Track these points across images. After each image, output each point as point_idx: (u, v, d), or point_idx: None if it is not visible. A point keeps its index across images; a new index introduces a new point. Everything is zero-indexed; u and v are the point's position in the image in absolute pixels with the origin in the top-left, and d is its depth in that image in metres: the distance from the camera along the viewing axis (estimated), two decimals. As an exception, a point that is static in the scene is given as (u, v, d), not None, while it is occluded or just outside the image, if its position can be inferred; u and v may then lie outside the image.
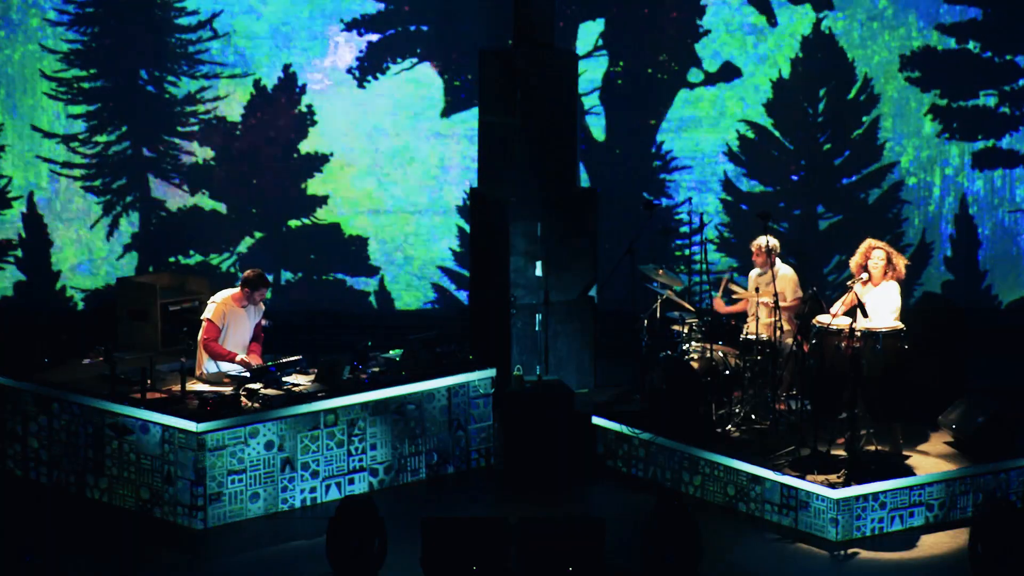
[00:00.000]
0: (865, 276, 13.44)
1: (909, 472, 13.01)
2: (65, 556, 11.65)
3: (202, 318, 13.69)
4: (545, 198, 16.17)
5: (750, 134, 19.03)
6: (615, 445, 14.33)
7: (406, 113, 19.19)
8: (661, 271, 14.82)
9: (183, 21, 19.00)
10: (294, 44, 19.12)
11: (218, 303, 13.64)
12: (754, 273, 14.64)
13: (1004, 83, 19.26)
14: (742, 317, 14.57)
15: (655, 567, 11.39)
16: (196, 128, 19.06)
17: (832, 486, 12.63)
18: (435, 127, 19.16)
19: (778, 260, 14.52)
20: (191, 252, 19.15)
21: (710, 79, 18.99)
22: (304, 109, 19.12)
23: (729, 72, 19.06)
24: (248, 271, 13.82)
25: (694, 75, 19.05)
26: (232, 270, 19.02)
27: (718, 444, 13.60)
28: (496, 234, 16.21)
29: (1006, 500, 12.94)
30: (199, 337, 13.67)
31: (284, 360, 13.55)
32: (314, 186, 19.23)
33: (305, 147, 19.19)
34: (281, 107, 19.12)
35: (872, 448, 13.33)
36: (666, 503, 11.56)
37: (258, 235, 19.21)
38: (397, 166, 19.28)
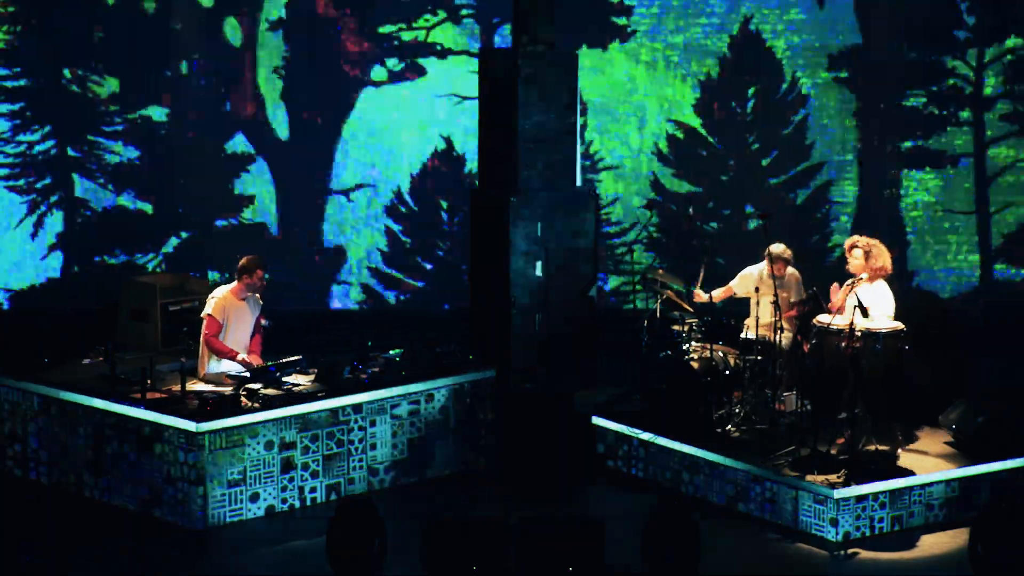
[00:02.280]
0: (865, 276, 13.43)
1: (909, 472, 13.01)
2: (65, 556, 11.64)
3: (203, 315, 13.69)
4: (545, 198, 16.17)
5: (679, 134, 19.07)
6: (615, 445, 14.33)
7: (332, 114, 19.22)
8: (661, 271, 14.82)
9: (109, 19, 18.99)
10: (220, 43, 19.12)
11: (218, 299, 13.64)
12: (755, 271, 14.62)
13: (932, 84, 19.31)
14: (742, 317, 14.57)
15: (655, 567, 11.38)
16: (121, 128, 19.02)
17: (832, 486, 12.62)
18: (366, 127, 19.18)
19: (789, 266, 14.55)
20: (117, 252, 19.12)
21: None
22: (229, 109, 19.11)
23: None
24: (242, 259, 13.79)
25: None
26: (158, 270, 18.99)
27: (718, 444, 13.60)
28: (496, 234, 16.21)
29: (1006, 500, 12.93)
30: (201, 334, 13.66)
31: (284, 360, 13.55)
32: (241, 186, 19.21)
33: (231, 147, 19.18)
34: (207, 107, 19.11)
35: (872, 448, 13.32)
36: (666, 503, 11.56)
37: (184, 235, 19.18)
38: (323, 166, 19.31)
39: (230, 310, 13.63)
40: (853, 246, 13.49)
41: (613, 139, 19.30)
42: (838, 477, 12.73)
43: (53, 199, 19.06)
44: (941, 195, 19.41)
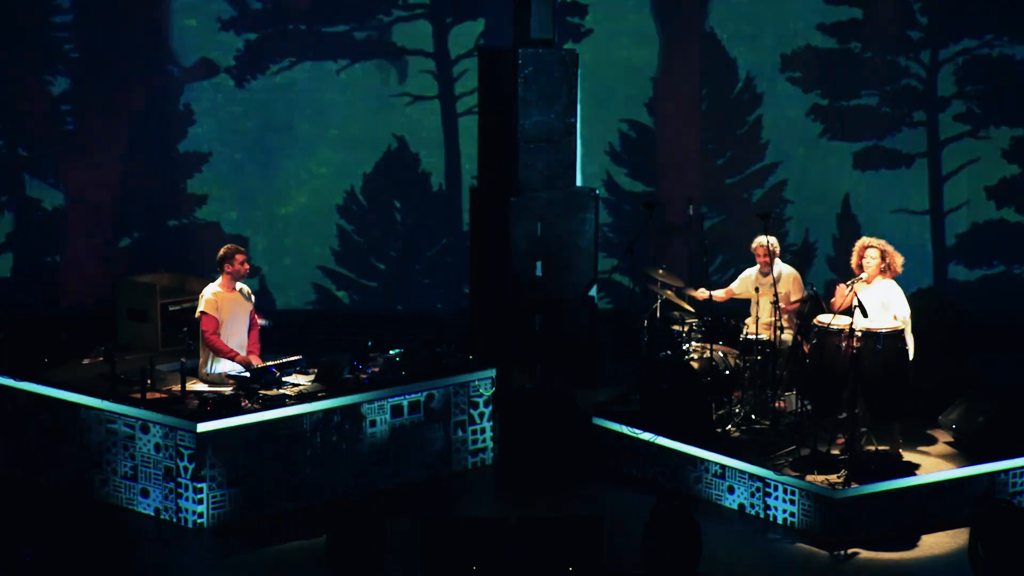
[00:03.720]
0: (864, 276, 13.42)
1: (909, 472, 13.01)
2: (65, 556, 11.63)
3: (197, 315, 13.68)
4: (545, 198, 16.17)
5: (632, 133, 19.08)
6: (615, 445, 14.32)
7: (285, 114, 19.22)
8: (661, 271, 14.82)
9: (59, 19, 18.95)
10: (172, 43, 19.10)
11: (207, 297, 13.63)
12: (753, 271, 14.64)
13: (886, 83, 19.33)
14: (742, 317, 14.58)
15: (655, 567, 11.39)
16: (72, 128, 19.01)
17: (832, 486, 12.62)
18: (314, 128, 19.20)
19: (778, 260, 14.53)
20: (68, 252, 19.12)
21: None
22: (182, 108, 19.12)
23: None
24: (220, 250, 13.77)
25: None
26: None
27: (718, 444, 13.60)
28: (496, 234, 16.22)
29: (1006, 500, 12.93)
30: (200, 334, 13.65)
31: (284, 360, 13.55)
32: (193, 185, 19.22)
33: (184, 146, 19.19)
34: (158, 106, 19.11)
35: (872, 448, 13.32)
36: (666, 503, 11.56)
37: (136, 235, 19.18)
38: (277, 166, 19.30)
39: (223, 304, 13.62)
40: (867, 247, 13.45)
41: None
42: (838, 477, 12.73)
43: (3, 199, 19.03)
44: (895, 195, 19.45)
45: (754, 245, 14.54)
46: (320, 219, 19.39)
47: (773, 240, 14.46)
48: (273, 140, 19.29)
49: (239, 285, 13.79)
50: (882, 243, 13.52)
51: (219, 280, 13.73)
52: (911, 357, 13.22)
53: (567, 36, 19.15)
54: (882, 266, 13.37)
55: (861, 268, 13.47)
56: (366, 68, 19.46)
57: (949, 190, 19.48)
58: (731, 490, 13.31)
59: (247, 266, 13.77)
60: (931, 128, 19.40)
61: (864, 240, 13.56)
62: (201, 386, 13.37)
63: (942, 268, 19.58)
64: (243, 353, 13.64)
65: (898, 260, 13.43)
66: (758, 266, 14.60)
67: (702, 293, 14.65)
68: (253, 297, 13.97)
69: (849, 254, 13.48)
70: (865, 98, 19.30)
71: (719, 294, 14.76)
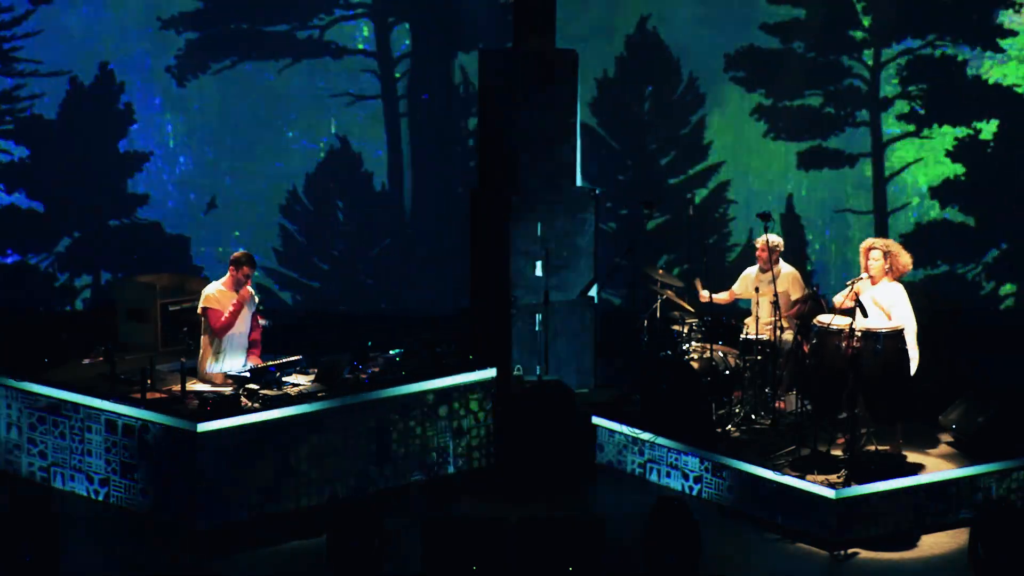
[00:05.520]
0: (866, 275, 13.40)
1: (909, 472, 13.01)
2: (65, 556, 11.62)
3: (199, 311, 13.67)
4: (545, 198, 16.17)
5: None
6: (615, 445, 14.32)
7: (227, 113, 19.21)
8: (661, 271, 14.82)
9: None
10: (111, 42, 19.09)
11: (209, 294, 13.62)
12: (753, 271, 14.63)
13: (829, 83, 19.34)
14: (742, 317, 14.57)
15: (655, 567, 11.38)
16: (11, 127, 19.00)
17: (832, 486, 12.62)
18: (256, 127, 19.19)
19: (780, 259, 14.53)
20: (8, 251, 19.09)
21: None
22: (123, 107, 19.10)
23: None
24: (237, 252, 13.80)
25: None
26: (51, 270, 18.97)
27: (718, 444, 13.60)
28: (496, 234, 16.21)
29: (1006, 500, 12.94)
30: (208, 328, 13.61)
31: (284, 360, 13.55)
32: (134, 185, 19.21)
33: (125, 146, 19.17)
34: (99, 105, 19.08)
35: (872, 448, 13.32)
36: (666, 503, 11.56)
37: (77, 235, 19.16)
38: (219, 165, 19.29)
39: (224, 302, 13.62)
40: (871, 248, 13.41)
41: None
42: (838, 477, 12.73)
43: None
44: (839, 195, 19.46)
45: (756, 242, 14.55)
46: (263, 219, 19.39)
47: (774, 238, 14.45)
48: (215, 139, 19.28)
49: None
50: (887, 243, 13.46)
51: (223, 279, 13.72)
52: (914, 365, 13.18)
53: (509, 36, 19.23)
54: (886, 267, 13.33)
55: (868, 269, 13.43)
56: (308, 67, 19.46)
57: (892, 190, 19.51)
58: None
59: (248, 279, 13.75)
60: (874, 128, 19.42)
61: (868, 241, 13.50)
62: (201, 386, 13.37)
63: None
64: (243, 353, 13.64)
65: (902, 260, 13.36)
66: (758, 265, 14.60)
67: (704, 295, 14.63)
68: (257, 299, 13.96)
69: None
70: (808, 98, 19.33)
71: (723, 296, 14.75)
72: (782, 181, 19.41)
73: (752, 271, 14.69)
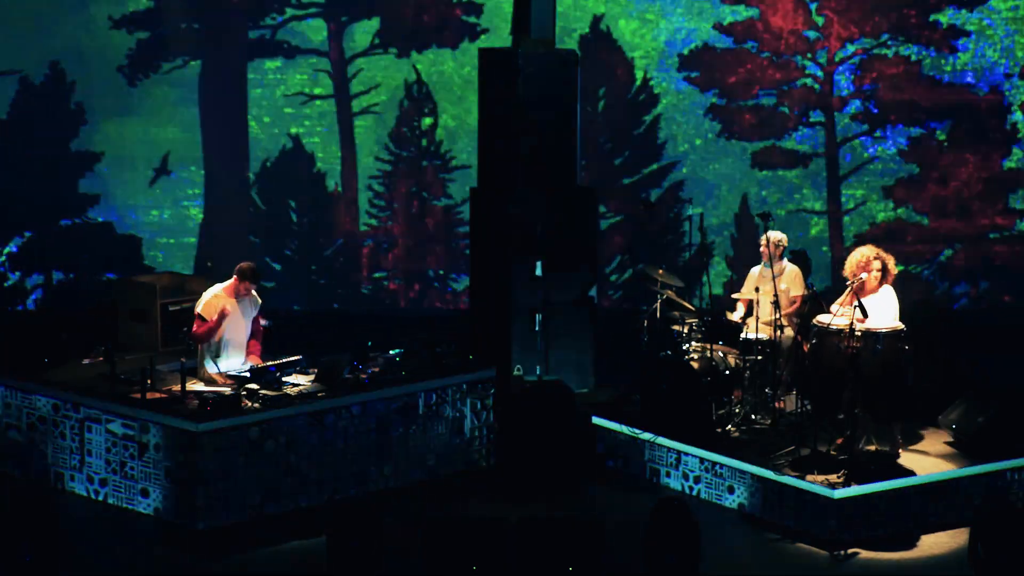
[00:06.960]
0: (864, 276, 13.40)
1: (909, 472, 13.01)
2: (65, 556, 11.63)
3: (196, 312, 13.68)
4: (545, 198, 16.17)
5: None
6: (615, 445, 14.32)
7: (179, 112, 19.20)
8: (661, 271, 14.82)
9: None
10: (62, 41, 19.08)
11: (209, 298, 13.58)
12: (756, 270, 14.63)
13: (783, 83, 19.35)
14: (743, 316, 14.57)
15: (655, 567, 11.38)
16: None
17: (832, 486, 12.62)
18: (209, 126, 19.19)
19: (784, 257, 14.55)
20: None
21: None
22: (74, 107, 19.08)
23: None
24: (244, 263, 13.77)
25: None
26: (1, 270, 18.94)
27: (718, 444, 13.60)
28: (496, 234, 16.21)
29: (1006, 500, 12.93)
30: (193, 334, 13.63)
31: (284, 360, 13.54)
32: (85, 185, 19.18)
33: (76, 146, 19.16)
34: (50, 104, 19.07)
35: (872, 448, 13.32)
36: (666, 503, 11.55)
37: (28, 234, 19.14)
38: (171, 165, 19.28)
39: (223, 308, 13.57)
40: (875, 258, 13.35)
41: (467, 138, 19.36)
42: (838, 477, 12.73)
43: None
44: (793, 194, 19.47)
45: (760, 241, 14.56)
46: (215, 219, 19.39)
47: (775, 235, 14.46)
48: (167, 138, 19.26)
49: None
50: (878, 251, 13.48)
51: (227, 284, 13.67)
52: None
53: (463, 35, 19.24)
54: (883, 275, 13.39)
55: (855, 277, 13.40)
56: (260, 66, 19.44)
57: (847, 190, 19.51)
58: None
59: (250, 293, 13.70)
60: (828, 128, 19.43)
61: (864, 252, 13.41)
62: (201, 386, 13.37)
63: (841, 269, 19.61)
64: (243, 353, 13.63)
65: (891, 263, 13.44)
66: (759, 265, 14.61)
67: (736, 318, 14.50)
68: (260, 301, 13.95)
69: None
70: (762, 98, 19.34)
71: (740, 312, 14.62)
72: (736, 181, 19.42)
73: (755, 270, 14.69)
